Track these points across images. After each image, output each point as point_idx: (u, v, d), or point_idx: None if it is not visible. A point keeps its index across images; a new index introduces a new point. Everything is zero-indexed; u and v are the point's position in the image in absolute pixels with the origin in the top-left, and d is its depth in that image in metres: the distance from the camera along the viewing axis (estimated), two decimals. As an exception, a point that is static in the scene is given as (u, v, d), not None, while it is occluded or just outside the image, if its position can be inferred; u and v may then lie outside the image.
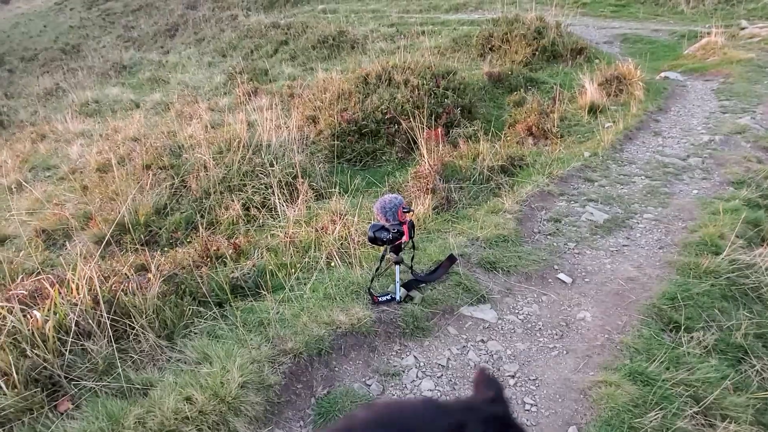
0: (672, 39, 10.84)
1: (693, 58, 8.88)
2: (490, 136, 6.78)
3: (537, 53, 10.54)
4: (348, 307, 2.96)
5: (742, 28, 10.30)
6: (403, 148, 7.06)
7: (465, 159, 5.21)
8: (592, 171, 4.89)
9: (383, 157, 7.34)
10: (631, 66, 7.24)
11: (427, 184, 4.59)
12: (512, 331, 3.00)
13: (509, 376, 2.69)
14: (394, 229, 3.01)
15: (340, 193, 5.78)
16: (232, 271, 3.32)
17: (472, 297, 3.20)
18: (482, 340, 2.92)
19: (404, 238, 3.02)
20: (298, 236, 3.94)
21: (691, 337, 2.88)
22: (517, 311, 3.16)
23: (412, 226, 3.10)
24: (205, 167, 6.03)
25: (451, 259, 3.36)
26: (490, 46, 11.35)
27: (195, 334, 2.73)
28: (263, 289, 3.14)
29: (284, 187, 5.59)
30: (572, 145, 5.70)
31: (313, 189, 5.99)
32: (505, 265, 3.50)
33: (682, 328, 2.96)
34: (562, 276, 3.45)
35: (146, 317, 2.61)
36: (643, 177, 4.75)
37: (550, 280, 3.44)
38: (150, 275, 2.76)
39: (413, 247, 3.25)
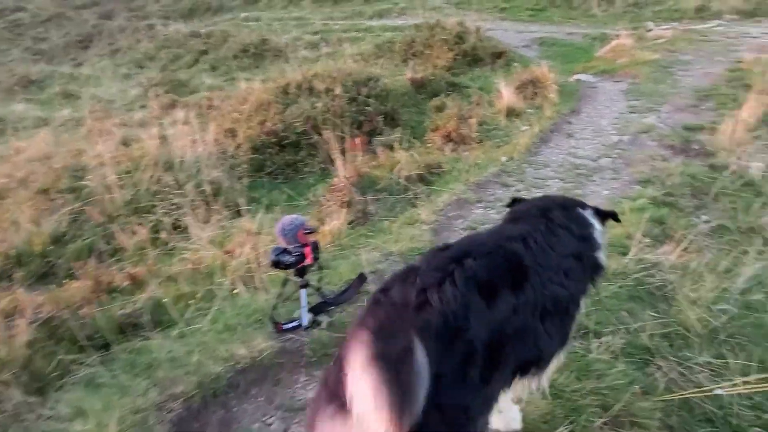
0: (585, 41, 11.28)
1: (604, 60, 9.24)
2: (413, 143, 6.74)
3: (459, 58, 10.66)
4: (250, 339, 2.77)
5: (649, 30, 10.86)
6: (325, 159, 6.90)
7: (383, 169, 5.12)
8: (508, 176, 4.91)
9: (305, 169, 7.14)
10: (545, 69, 7.42)
11: (343, 198, 4.46)
12: (425, 350, 2.89)
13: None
14: (296, 252, 2.84)
15: (259, 208, 5.55)
16: (122, 307, 3.04)
17: (384, 316, 3.08)
18: (394, 363, 2.80)
19: (307, 261, 2.86)
20: (204, 261, 3.70)
21: (600, 343, 2.88)
22: (430, 328, 3.06)
23: (316, 247, 2.95)
24: (110, 189, 5.63)
25: (362, 278, 3.23)
26: (412, 51, 11.40)
27: (72, 385, 2.45)
28: (157, 325, 2.89)
29: (198, 206, 5.30)
30: (490, 150, 5.73)
31: (230, 206, 5.72)
32: (419, 280, 3.40)
33: (592, 333, 2.96)
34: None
35: (11, 371, 2.32)
36: (557, 180, 4.82)
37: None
38: (18, 321, 2.46)
39: (320, 268, 3.09)
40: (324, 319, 2.97)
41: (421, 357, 1.33)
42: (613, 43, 9.85)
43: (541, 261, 1.79)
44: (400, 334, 1.37)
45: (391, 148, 6.64)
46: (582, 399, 2.49)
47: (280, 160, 7.34)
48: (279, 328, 2.86)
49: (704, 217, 4.46)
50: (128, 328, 2.97)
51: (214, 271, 3.54)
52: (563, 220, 2.02)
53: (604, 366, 2.72)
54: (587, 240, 2.09)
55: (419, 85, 9.49)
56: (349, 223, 4.30)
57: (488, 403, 1.65)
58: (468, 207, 4.37)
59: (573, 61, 10.00)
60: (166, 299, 3.11)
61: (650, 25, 11.43)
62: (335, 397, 1.44)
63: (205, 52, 15.13)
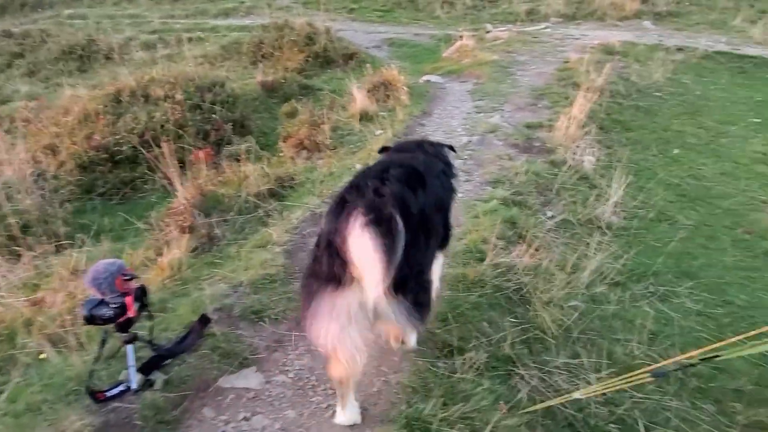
0: (432, 42, 11.60)
1: (450, 61, 9.54)
2: (265, 153, 6.33)
3: (310, 59, 10.36)
4: (61, 418, 2.23)
5: (488, 32, 11.46)
6: (168, 174, 6.21)
7: (230, 185, 4.66)
8: (364, 184, 4.73)
9: (146, 187, 6.39)
10: (395, 71, 7.41)
11: (183, 222, 3.95)
12: (281, 396, 2.58)
13: (277, 458, 2.26)
14: (115, 303, 2.35)
15: (87, 238, 4.80)
16: None
17: (232, 362, 2.70)
18: (245, 417, 2.44)
19: (129, 313, 2.39)
20: (3, 318, 3.00)
21: (464, 360, 2.78)
22: (287, 368, 2.74)
23: (141, 294, 2.48)
24: None
25: (204, 320, 2.81)
26: (262, 53, 10.86)
27: None
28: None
29: (2, 243, 4.41)
30: (345, 157, 5.53)
31: (50, 239, 4.87)
32: (274, 312, 3.07)
33: (456, 350, 2.86)
34: (336, 313, 3.13)
35: None
36: (412, 185, 4.74)
37: (323, 321, 3.09)
38: None
39: (150, 317, 2.62)
40: (158, 377, 2.51)
41: (401, 222, 1.88)
42: (457, 44, 10.22)
43: (427, 173, 2.39)
44: (382, 208, 1.88)
45: (241, 159, 6.18)
46: (451, 429, 2.35)
47: (114, 178, 6.49)
48: (100, 398, 2.36)
49: (549, 213, 4.66)
50: None
51: (17, 330, 2.88)
52: (432, 150, 2.81)
53: (470, 386, 2.62)
54: (449, 164, 2.86)
55: (270, 89, 9.03)
56: (193, 251, 3.81)
57: (431, 263, 2.44)
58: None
59: (422, 62, 10.21)
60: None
61: (489, 26, 12.09)
62: (332, 276, 1.96)
63: (20, 55, 13.10)
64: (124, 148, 6.56)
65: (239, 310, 3.04)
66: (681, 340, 3.40)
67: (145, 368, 2.51)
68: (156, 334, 2.72)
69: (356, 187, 2.05)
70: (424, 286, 2.25)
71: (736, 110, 7.61)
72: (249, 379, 2.64)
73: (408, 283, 2.01)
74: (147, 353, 2.59)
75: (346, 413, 2.36)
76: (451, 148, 3.08)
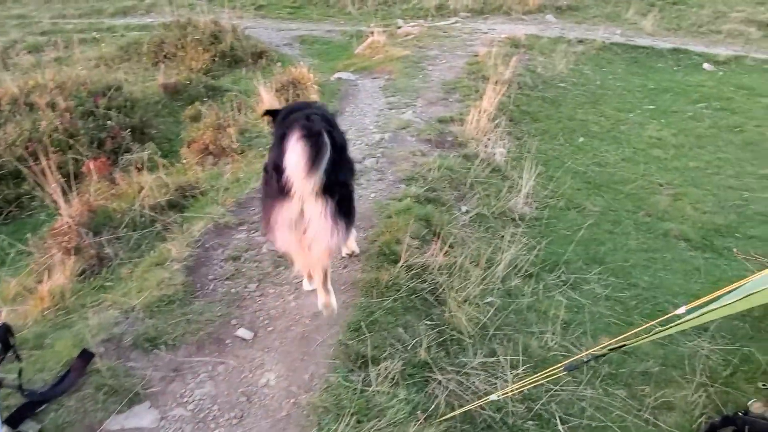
0: (343, 39, 11.44)
1: (362, 57, 9.42)
2: (168, 160, 5.92)
3: (217, 59, 9.90)
4: None
5: (399, 27, 11.45)
6: (50, 190, 5.65)
7: (125, 198, 4.28)
8: (273, 189, 4.50)
9: (33, 203, 5.79)
10: (304, 69, 7.18)
11: (68, 243, 3.55)
12: (179, 431, 2.34)
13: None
14: (-33, 349, 2.02)
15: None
16: None
17: (121, 399, 2.42)
18: (137, 462, 2.19)
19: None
20: None
21: (379, 371, 2.66)
22: (186, 400, 2.50)
23: (5, 332, 2.15)
24: None
25: (85, 355, 2.50)
26: (164, 53, 10.25)
27: None
28: None
29: None
30: (254, 161, 5.25)
31: None
32: (171, 337, 2.80)
33: (370, 361, 2.72)
34: (241, 332, 2.91)
35: None
36: (324, 187, 4.56)
37: (228, 341, 2.87)
38: None
39: (18, 359, 2.29)
40: (31, 427, 2.20)
41: (326, 137, 2.38)
42: (369, 40, 10.11)
43: (332, 119, 3.00)
44: (312, 128, 2.38)
45: (141, 168, 5.74)
46: (364, 449, 2.22)
47: (-5, 195, 5.85)
48: (-45, 461, 2.02)
49: (464, 208, 4.64)
50: None
51: None
52: (320, 109, 3.07)
53: (385, 398, 2.50)
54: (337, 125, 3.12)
55: (174, 92, 8.51)
56: (80, 275, 3.44)
57: (350, 181, 3.00)
58: (229, 233, 3.84)
59: (334, 59, 10.02)
60: None
61: (400, 22, 12.09)
62: (279, 191, 2.51)
63: None
64: (7, 162, 5.91)
65: (130, 339, 2.74)
66: (592, 326, 3.46)
67: (14, 419, 2.19)
68: (29, 377, 2.39)
69: (292, 123, 2.50)
70: (348, 194, 2.80)
71: (632, 98, 8.02)
72: (141, 417, 2.37)
73: (333, 188, 2.54)
74: (17, 400, 2.26)
75: (322, 298, 2.90)
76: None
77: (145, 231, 3.89)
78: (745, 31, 11.32)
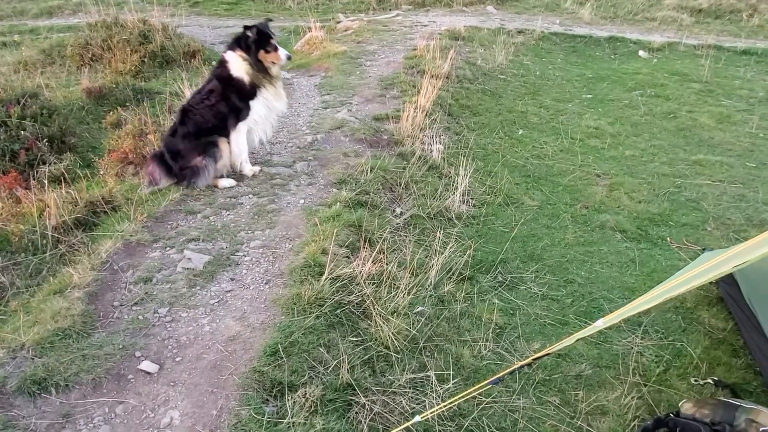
0: (283, 35, 11.09)
1: (300, 54, 9.14)
2: (88, 172, 5.52)
3: (146, 60, 9.40)
4: None
5: (338, 22, 11.19)
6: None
7: (27, 218, 3.91)
8: (194, 200, 4.21)
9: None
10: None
11: (-46, 275, 3.19)
12: (65, 490, 2.08)
13: None
14: None
15: None
16: None
17: (-3, 457, 2.14)
18: None
19: None
20: None
21: (296, 399, 2.46)
22: (76, 449, 2.23)
23: None
24: None
25: (-46, 409, 2.20)
26: (90, 55, 9.68)
27: None
28: None
29: None
30: (178, 169, 4.92)
31: None
32: (63, 378, 2.51)
33: (287, 389, 2.52)
34: (145, 365, 2.65)
35: None
36: (251, 196, 4.31)
37: (130, 377, 2.60)
38: None
39: None
40: None
41: None
42: (307, 36, 9.84)
43: None
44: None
45: (59, 181, 5.34)
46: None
47: None
48: None
49: (398, 210, 4.48)
50: None
51: None
52: None
53: (301, 430, 2.30)
54: None
55: (99, 96, 8.00)
56: (-32, 310, 3.09)
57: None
58: (142, 251, 3.55)
59: (272, 57, 9.68)
60: None
61: (340, 16, 11.83)
62: None
63: None
64: None
65: (15, 383, 2.45)
66: (527, 329, 3.36)
67: None
68: None
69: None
70: None
71: (571, 88, 8.05)
72: (20, 475, 2.10)
73: None
74: None
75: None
76: None
77: (46, 255, 3.55)
78: (678, 17, 11.61)
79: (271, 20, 4.73)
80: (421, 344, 3.04)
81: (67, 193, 4.19)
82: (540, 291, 3.77)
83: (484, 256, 4.09)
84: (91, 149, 6.80)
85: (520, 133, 6.48)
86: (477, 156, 5.70)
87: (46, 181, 4.81)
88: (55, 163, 5.95)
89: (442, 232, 4.12)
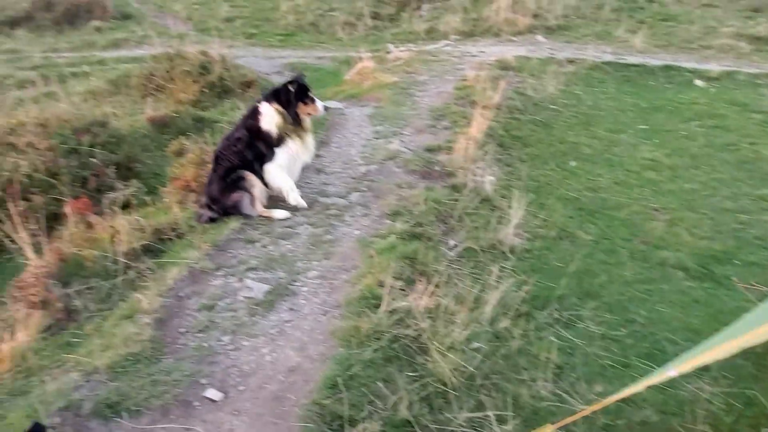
0: (333, 65, 11.42)
1: (351, 84, 9.36)
2: (150, 198, 5.79)
3: (206, 90, 9.84)
4: None
5: (388, 53, 11.41)
6: (17, 238, 5.51)
7: (99, 243, 4.13)
8: (253, 229, 4.36)
9: (14, 246, 5.63)
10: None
11: (34, 297, 3.40)
12: None
13: None
14: None
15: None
16: None
17: (75, 479, 2.24)
18: None
19: None
20: None
21: (356, 434, 2.48)
22: (146, 474, 2.32)
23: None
24: None
25: (37, 429, 2.32)
26: (153, 86, 10.20)
27: None
28: None
29: None
30: (237, 198, 5.10)
31: None
32: (134, 402, 2.62)
33: (347, 423, 2.54)
34: (211, 393, 2.74)
35: None
36: (307, 226, 4.42)
37: (196, 404, 2.69)
38: None
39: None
40: None
41: None
42: (359, 66, 10.07)
43: None
44: None
45: (125, 206, 5.62)
46: None
47: (-26, 240, 5.71)
48: None
49: (452, 242, 4.49)
50: None
51: None
52: None
53: (362, 467, 2.32)
54: None
55: (162, 125, 8.42)
56: (46, 330, 3.27)
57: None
58: (205, 279, 3.68)
59: (325, 86, 9.94)
60: None
61: (390, 47, 12.06)
62: None
63: None
64: (-16, 205, 5.78)
65: (90, 406, 2.57)
66: (586, 370, 3.28)
67: None
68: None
69: None
70: None
71: (625, 118, 7.91)
72: (95, 498, 2.19)
73: None
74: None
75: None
76: None
77: (117, 280, 3.73)
78: (735, 45, 11.28)
79: (305, 75, 4.89)
80: (478, 381, 3.02)
81: (134, 220, 4.40)
82: (599, 330, 3.68)
83: (540, 292, 4.03)
84: (154, 176, 7.13)
85: (572, 164, 6.40)
86: (529, 188, 5.65)
87: (116, 208, 5.08)
88: (121, 189, 6.29)
89: (496, 265, 4.09)
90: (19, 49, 15.11)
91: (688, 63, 10.35)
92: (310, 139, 4.71)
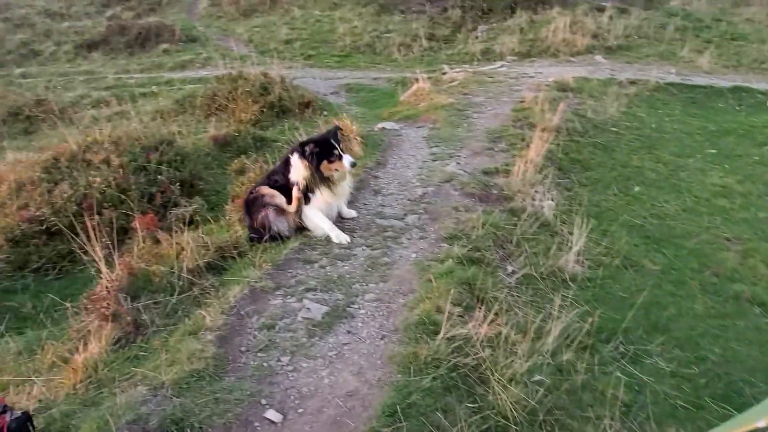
0: (389, 86, 11.55)
1: (407, 105, 9.43)
2: (215, 214, 5.99)
3: (265, 110, 10.15)
4: None
5: (444, 74, 11.45)
6: (92, 251, 5.79)
7: (166, 259, 4.28)
8: (311, 249, 4.41)
9: (86, 258, 5.94)
10: (347, 121, 7.21)
11: (106, 310, 3.55)
12: None
13: None
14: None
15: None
16: None
17: (142, 493, 2.30)
18: None
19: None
20: None
21: (415, 466, 2.43)
22: (209, 493, 2.35)
23: (24, 422, 2.08)
24: None
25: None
26: (216, 106, 10.62)
27: None
28: None
29: None
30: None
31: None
32: (198, 419, 2.68)
33: (405, 454, 2.50)
34: (270, 414, 2.76)
35: None
36: (364, 247, 4.44)
37: (256, 424, 2.72)
38: None
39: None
40: None
41: None
42: (414, 87, 10.14)
43: None
44: None
45: (188, 223, 5.84)
46: None
47: (50, 251, 6.05)
48: None
49: (510, 268, 4.40)
50: None
51: None
52: None
53: (421, 501, 2.27)
54: None
55: (224, 144, 8.73)
56: (116, 343, 3.41)
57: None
58: (265, 298, 3.74)
59: (380, 107, 10.08)
60: None
61: (445, 68, 12.11)
62: None
63: (-37, 119, 12.61)
64: (61, 218, 6.13)
65: (157, 421, 2.64)
66: (656, 410, 3.11)
67: None
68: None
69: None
70: None
71: (692, 142, 7.60)
72: None
73: None
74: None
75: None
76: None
77: (182, 296, 3.85)
78: (812, 65, 10.69)
79: (340, 128, 4.81)
80: (540, 417, 2.91)
81: (198, 237, 4.55)
82: (668, 367, 3.50)
83: (604, 324, 3.88)
84: (216, 194, 7.38)
85: (636, 189, 6.19)
86: (590, 213, 5.48)
87: (182, 225, 5.28)
88: (185, 206, 6.54)
89: (557, 294, 3.97)
90: (95, 71, 16.13)
91: (759, 84, 9.88)
92: (342, 187, 4.59)
